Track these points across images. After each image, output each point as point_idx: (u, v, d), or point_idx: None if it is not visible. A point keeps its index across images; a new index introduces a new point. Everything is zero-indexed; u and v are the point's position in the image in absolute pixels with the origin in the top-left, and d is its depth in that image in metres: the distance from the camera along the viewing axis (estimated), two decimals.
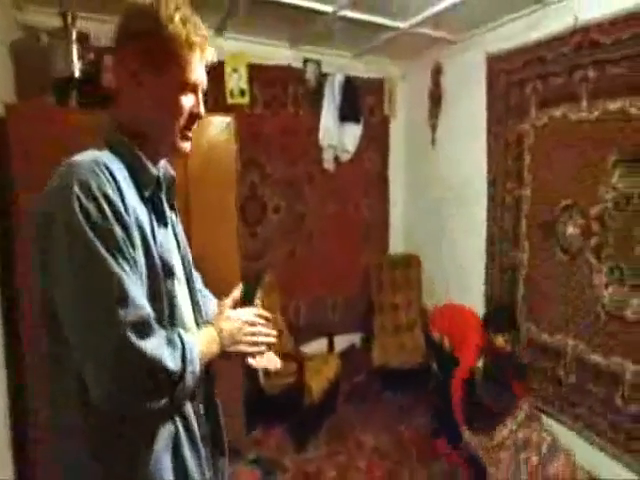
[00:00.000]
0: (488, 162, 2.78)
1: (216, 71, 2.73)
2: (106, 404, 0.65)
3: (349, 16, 2.49)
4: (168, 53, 0.73)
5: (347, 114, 3.25)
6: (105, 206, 0.65)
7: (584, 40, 2.15)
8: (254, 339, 0.87)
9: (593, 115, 2.14)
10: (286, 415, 2.68)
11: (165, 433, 0.75)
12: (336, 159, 3.36)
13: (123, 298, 0.64)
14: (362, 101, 3.36)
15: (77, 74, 1.98)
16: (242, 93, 2.80)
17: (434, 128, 3.27)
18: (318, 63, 3.12)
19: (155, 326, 0.68)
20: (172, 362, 0.67)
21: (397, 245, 3.70)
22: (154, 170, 0.79)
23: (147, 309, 0.67)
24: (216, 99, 2.72)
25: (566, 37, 2.24)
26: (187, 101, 0.78)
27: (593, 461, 2.15)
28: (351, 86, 3.24)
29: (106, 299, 0.63)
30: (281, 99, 3.09)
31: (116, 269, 0.64)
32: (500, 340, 2.42)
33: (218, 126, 2.33)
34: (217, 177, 2.31)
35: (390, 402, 2.98)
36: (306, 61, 3.09)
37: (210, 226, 2.26)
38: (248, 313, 0.89)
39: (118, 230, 0.66)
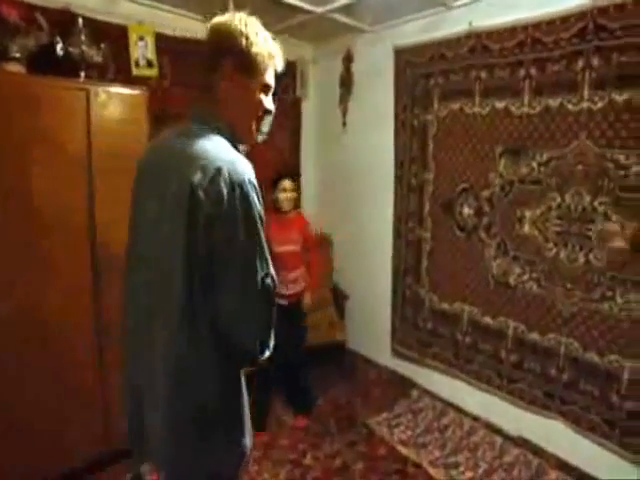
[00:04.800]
0: (395, 147, 3.00)
1: (118, 36, 2.47)
2: (236, 324, 0.94)
3: None
4: (255, 63, 1.00)
5: None
6: (260, 201, 0.95)
7: (477, 44, 2.44)
8: None
9: (485, 111, 2.45)
10: None
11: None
12: None
13: (268, 260, 0.97)
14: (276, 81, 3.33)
15: None
16: (149, 64, 2.57)
17: (345, 112, 3.40)
18: None
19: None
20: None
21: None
22: None
23: (275, 275, 0.99)
24: (118, 69, 2.46)
25: (462, 40, 2.51)
26: (264, 98, 1.05)
27: (484, 406, 2.56)
28: None
29: (263, 261, 0.95)
30: (193, 75, 2.91)
31: (265, 246, 0.96)
32: None
33: (126, 100, 2.14)
34: (125, 158, 2.12)
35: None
36: None
37: (116, 211, 2.09)
38: None
39: (264, 217, 0.96)
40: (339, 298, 3.44)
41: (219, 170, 0.89)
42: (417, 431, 2.49)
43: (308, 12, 2.73)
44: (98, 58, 2.10)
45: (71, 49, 2.00)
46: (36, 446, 1.92)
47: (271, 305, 0.97)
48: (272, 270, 0.97)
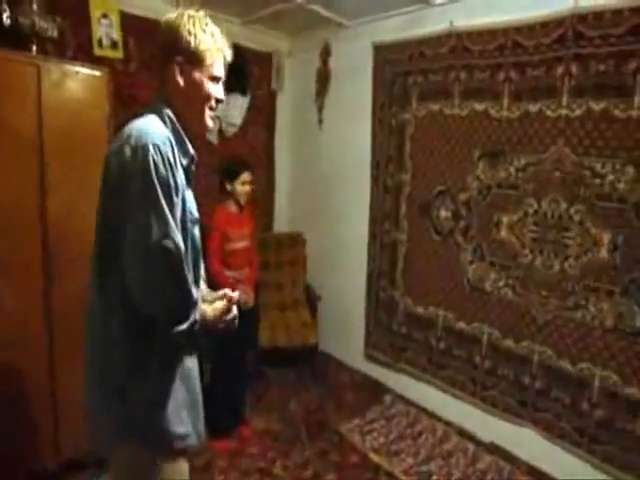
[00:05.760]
0: (372, 146, 2.93)
1: (77, 11, 2.26)
2: (138, 287, 0.95)
3: None
4: (203, 58, 1.06)
5: (234, 85, 3.05)
6: (167, 165, 0.96)
7: (457, 44, 2.40)
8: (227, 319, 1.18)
9: (464, 112, 2.42)
10: None
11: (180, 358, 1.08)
12: (221, 132, 3.16)
13: (166, 222, 0.95)
14: (249, 73, 3.19)
15: None
16: (114, 45, 2.38)
17: (321, 108, 3.30)
18: None
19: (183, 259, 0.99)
20: (193, 289, 1.02)
21: (282, 223, 3.70)
22: (191, 149, 1.11)
23: (179, 240, 0.98)
24: (79, 47, 2.25)
25: (443, 39, 2.46)
26: (212, 88, 1.10)
27: (458, 413, 2.53)
28: (239, 56, 3.02)
29: (161, 224, 0.94)
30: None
31: (166, 208, 0.95)
32: None
33: (84, 80, 1.96)
34: (82, 142, 1.96)
35: (278, 382, 3.01)
36: None
37: (71, 200, 1.92)
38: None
39: (172, 183, 0.97)
40: (312, 299, 3.35)
41: (128, 137, 0.97)
42: (390, 438, 2.43)
43: (287, 1, 2.61)
44: (53, 32, 1.90)
45: (20, 19, 1.79)
46: None
47: (174, 272, 0.96)
48: (176, 236, 0.97)
